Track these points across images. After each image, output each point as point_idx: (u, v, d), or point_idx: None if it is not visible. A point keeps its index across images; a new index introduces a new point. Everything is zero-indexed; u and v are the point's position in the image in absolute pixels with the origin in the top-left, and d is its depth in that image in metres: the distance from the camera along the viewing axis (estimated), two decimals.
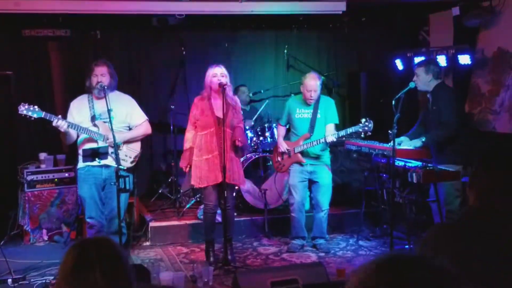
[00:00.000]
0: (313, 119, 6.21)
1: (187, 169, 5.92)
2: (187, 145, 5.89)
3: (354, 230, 6.91)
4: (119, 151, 5.43)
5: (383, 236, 6.61)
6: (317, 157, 6.25)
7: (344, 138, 6.50)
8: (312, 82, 6.13)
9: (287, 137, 6.50)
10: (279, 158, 6.47)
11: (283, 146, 6.38)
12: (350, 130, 6.00)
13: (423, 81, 5.98)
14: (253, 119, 7.66)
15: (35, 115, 5.38)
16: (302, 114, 6.28)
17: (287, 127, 6.54)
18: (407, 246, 5.87)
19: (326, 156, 6.36)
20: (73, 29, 7.63)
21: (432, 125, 5.99)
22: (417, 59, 7.38)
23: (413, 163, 5.75)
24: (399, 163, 5.79)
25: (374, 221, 6.96)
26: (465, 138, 5.97)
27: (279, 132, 6.56)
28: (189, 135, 5.89)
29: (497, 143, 6.69)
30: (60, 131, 5.47)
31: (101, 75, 5.60)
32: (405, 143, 5.98)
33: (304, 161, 6.25)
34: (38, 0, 6.22)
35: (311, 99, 6.16)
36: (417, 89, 6.03)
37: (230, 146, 5.74)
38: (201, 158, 5.76)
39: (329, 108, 6.29)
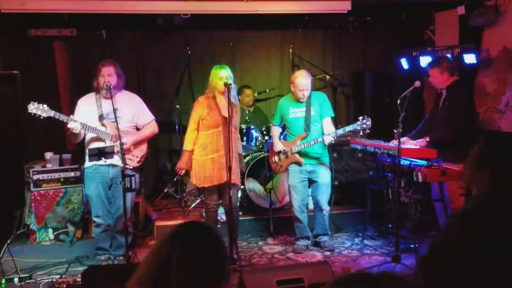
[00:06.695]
0: (308, 117, 6.12)
1: (183, 172, 5.92)
2: (188, 146, 5.84)
3: (359, 229, 6.91)
4: (126, 152, 5.45)
5: (388, 236, 6.61)
6: (317, 158, 6.19)
7: (343, 138, 6.49)
8: (304, 81, 6.01)
9: (283, 137, 6.48)
10: (276, 159, 6.37)
11: (278, 146, 6.29)
12: (348, 128, 5.94)
13: (440, 80, 5.97)
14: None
15: (44, 114, 5.38)
16: (295, 113, 6.18)
17: (281, 126, 6.49)
18: (412, 246, 5.87)
19: (326, 155, 6.29)
20: (78, 28, 7.66)
21: (440, 123, 5.96)
22: (423, 58, 7.37)
23: (419, 162, 5.75)
24: (404, 162, 5.79)
25: (379, 221, 6.95)
26: (473, 139, 5.93)
27: (274, 132, 6.45)
28: (192, 135, 5.83)
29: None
30: (72, 131, 5.48)
31: (108, 75, 5.62)
32: (410, 143, 5.97)
33: (302, 161, 6.17)
34: None
35: (303, 98, 6.07)
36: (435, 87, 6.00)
37: (235, 146, 5.75)
38: (205, 157, 5.76)
39: (322, 103, 6.18)
